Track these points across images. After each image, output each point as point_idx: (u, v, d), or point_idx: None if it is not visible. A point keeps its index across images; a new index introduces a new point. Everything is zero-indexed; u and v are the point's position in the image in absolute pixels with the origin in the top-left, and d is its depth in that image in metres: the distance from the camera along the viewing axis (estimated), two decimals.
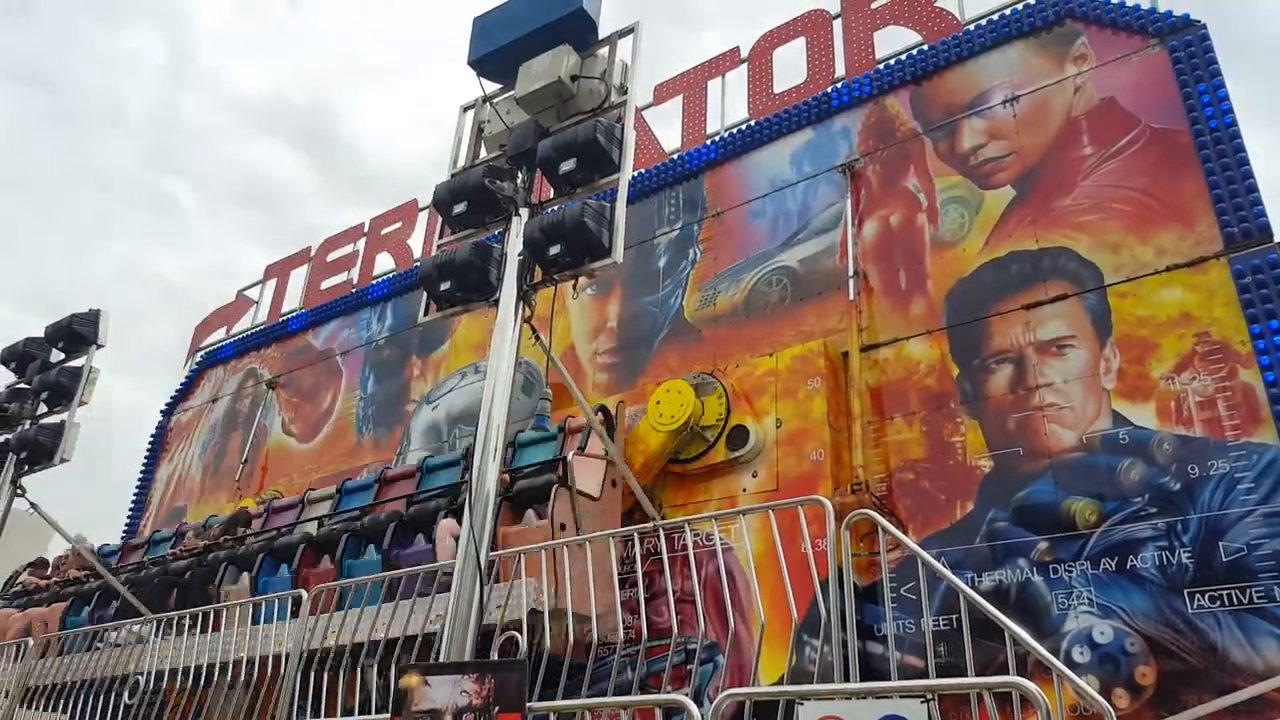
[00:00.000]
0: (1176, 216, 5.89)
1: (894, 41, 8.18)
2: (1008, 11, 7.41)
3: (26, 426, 8.36)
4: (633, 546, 6.23)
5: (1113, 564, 5.15)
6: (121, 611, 7.76)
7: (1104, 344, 5.79)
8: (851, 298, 6.92)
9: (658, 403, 6.79)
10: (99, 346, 8.49)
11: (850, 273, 7.04)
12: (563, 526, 5.86)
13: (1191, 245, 5.77)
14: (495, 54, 5.30)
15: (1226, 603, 4.78)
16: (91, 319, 8.49)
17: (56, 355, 8.70)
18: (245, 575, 7.31)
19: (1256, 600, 4.70)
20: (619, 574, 6.16)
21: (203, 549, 8.10)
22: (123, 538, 11.97)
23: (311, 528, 7.51)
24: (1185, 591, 4.90)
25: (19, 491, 8.16)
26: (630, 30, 5.09)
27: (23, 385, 8.65)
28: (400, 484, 7.58)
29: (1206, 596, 4.83)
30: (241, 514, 8.73)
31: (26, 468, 8.22)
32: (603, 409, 6.52)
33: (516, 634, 5.37)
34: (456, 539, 5.39)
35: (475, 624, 4.19)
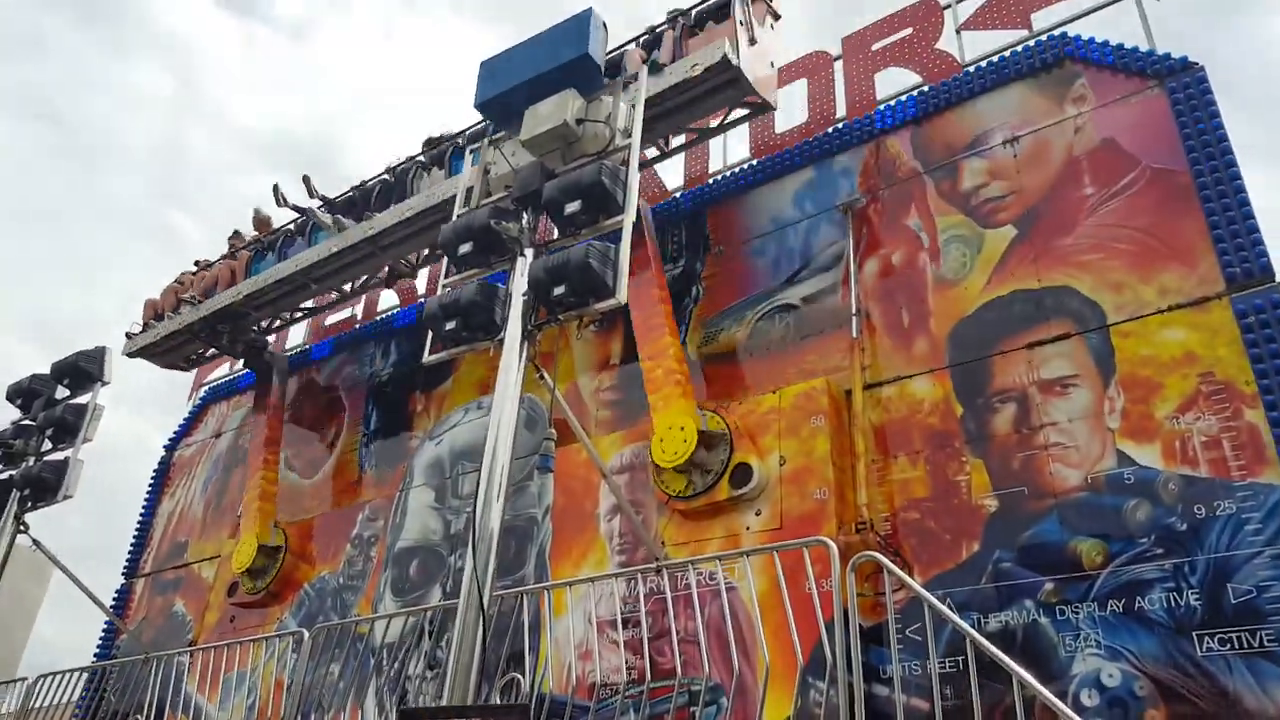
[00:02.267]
0: (1178, 256, 5.92)
1: (894, 83, 8.29)
2: (1007, 53, 7.50)
3: (31, 463, 8.38)
4: (636, 585, 6.20)
5: (1120, 605, 5.11)
6: None
7: (1108, 383, 5.80)
8: (854, 335, 6.95)
9: (660, 440, 6.79)
10: (104, 383, 8.53)
11: (853, 310, 7.07)
12: None
13: (1194, 285, 5.79)
14: (501, 97, 5.39)
15: (1236, 645, 4.73)
16: (97, 356, 8.55)
17: (62, 391, 8.75)
18: (436, 169, 9.34)
19: (1267, 643, 4.66)
20: (621, 614, 6.14)
21: None
22: (124, 573, 11.93)
23: None
24: (1194, 634, 4.85)
25: (22, 528, 8.17)
26: (634, 77, 5.18)
27: (28, 422, 8.69)
28: None
29: (1216, 639, 4.79)
30: None
31: (30, 504, 8.23)
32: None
33: (518, 676, 5.34)
34: None
35: (478, 668, 4.17)
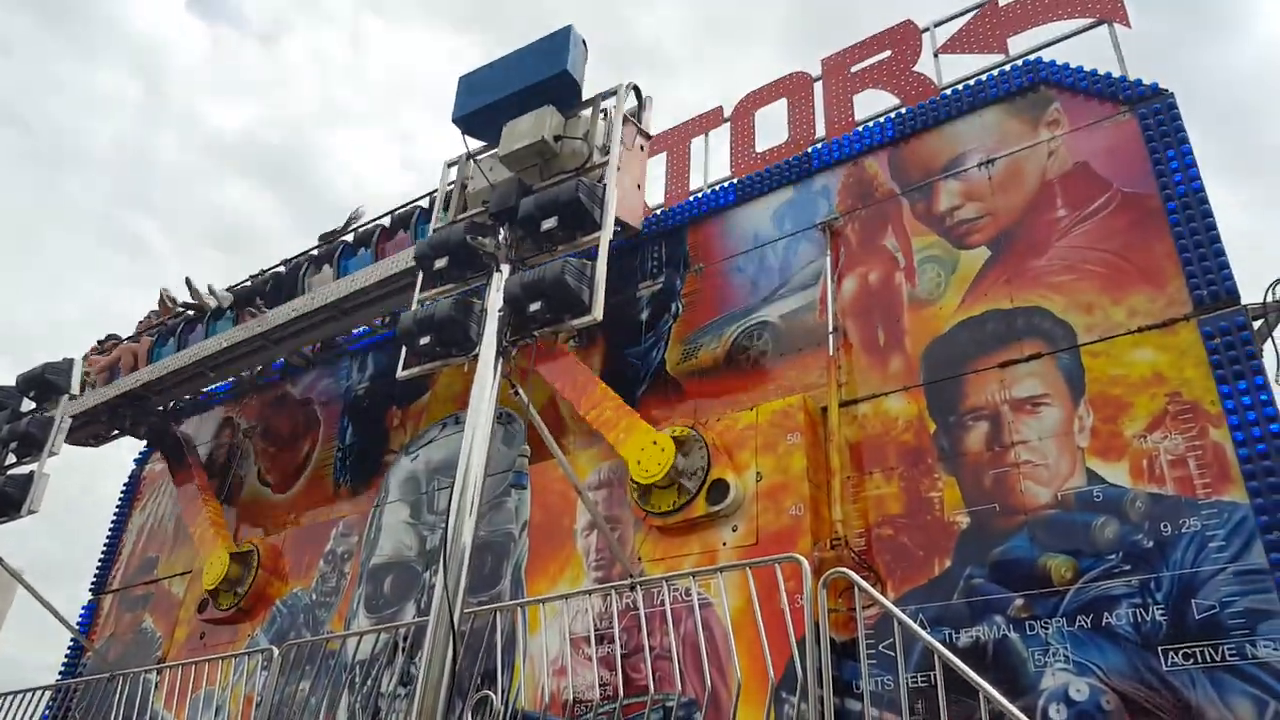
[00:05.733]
0: (1147, 278, 6.03)
1: (873, 104, 8.39)
2: (983, 77, 7.63)
3: None
4: (611, 602, 6.20)
5: (1088, 621, 5.17)
6: None
7: (1078, 402, 5.88)
8: (831, 353, 7.00)
9: (638, 462, 6.81)
10: (72, 396, 8.45)
11: (830, 328, 7.13)
12: None
13: (1162, 307, 5.89)
14: (480, 112, 5.42)
15: (1200, 660, 4.79)
16: (65, 368, 8.49)
17: (28, 404, 8.65)
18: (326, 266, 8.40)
19: (1229, 658, 4.72)
20: (596, 630, 6.13)
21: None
22: (91, 589, 11.75)
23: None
24: (1159, 649, 4.91)
25: None
26: (613, 92, 5.22)
27: None
28: None
29: (1180, 654, 4.85)
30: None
31: None
32: None
33: (490, 694, 5.31)
34: None
35: (448, 684, 4.15)
